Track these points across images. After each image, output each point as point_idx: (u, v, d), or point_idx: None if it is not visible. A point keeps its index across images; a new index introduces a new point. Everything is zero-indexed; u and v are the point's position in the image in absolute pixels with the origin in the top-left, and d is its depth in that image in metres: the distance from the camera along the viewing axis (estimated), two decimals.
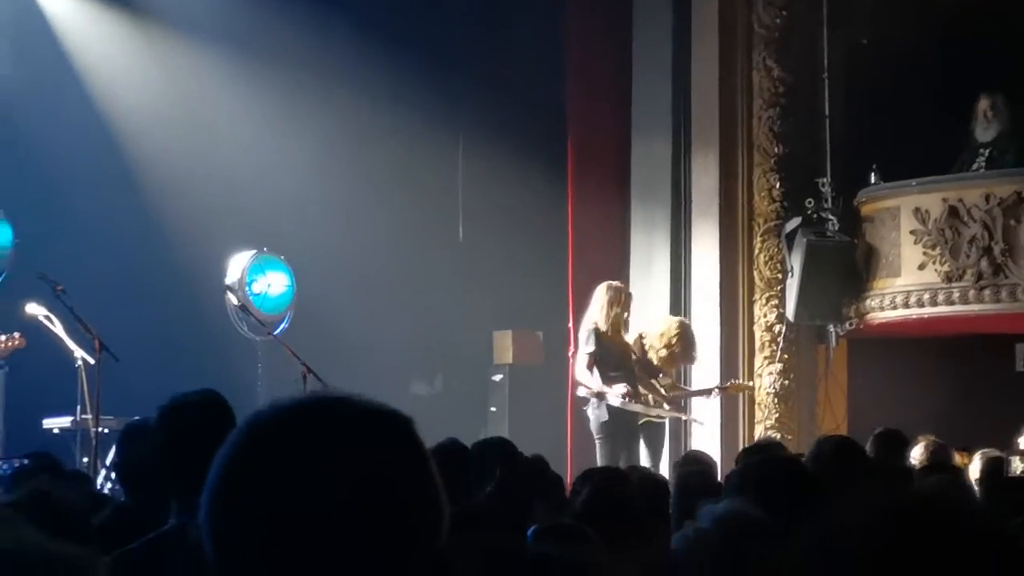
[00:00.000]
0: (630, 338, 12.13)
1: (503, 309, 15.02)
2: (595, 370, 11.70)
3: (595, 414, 11.74)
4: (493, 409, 14.67)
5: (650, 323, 12.52)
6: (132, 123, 14.37)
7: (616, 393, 11.62)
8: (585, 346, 11.83)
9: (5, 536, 1.61)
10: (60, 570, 1.59)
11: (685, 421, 13.01)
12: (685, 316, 13.36)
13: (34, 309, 11.72)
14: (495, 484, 6.40)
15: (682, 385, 12.70)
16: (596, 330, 11.77)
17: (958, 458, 9.33)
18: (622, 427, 11.68)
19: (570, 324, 13.55)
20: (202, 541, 1.68)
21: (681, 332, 12.29)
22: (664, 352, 12.16)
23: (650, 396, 12.00)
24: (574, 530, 4.22)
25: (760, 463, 5.10)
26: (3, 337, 11.64)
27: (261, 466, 1.67)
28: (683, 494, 5.82)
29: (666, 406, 12.06)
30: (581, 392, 12.00)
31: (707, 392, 12.63)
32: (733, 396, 13.24)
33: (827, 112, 13.41)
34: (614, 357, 11.79)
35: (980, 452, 9.27)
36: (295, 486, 1.65)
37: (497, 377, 14.83)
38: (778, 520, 3.71)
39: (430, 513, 1.71)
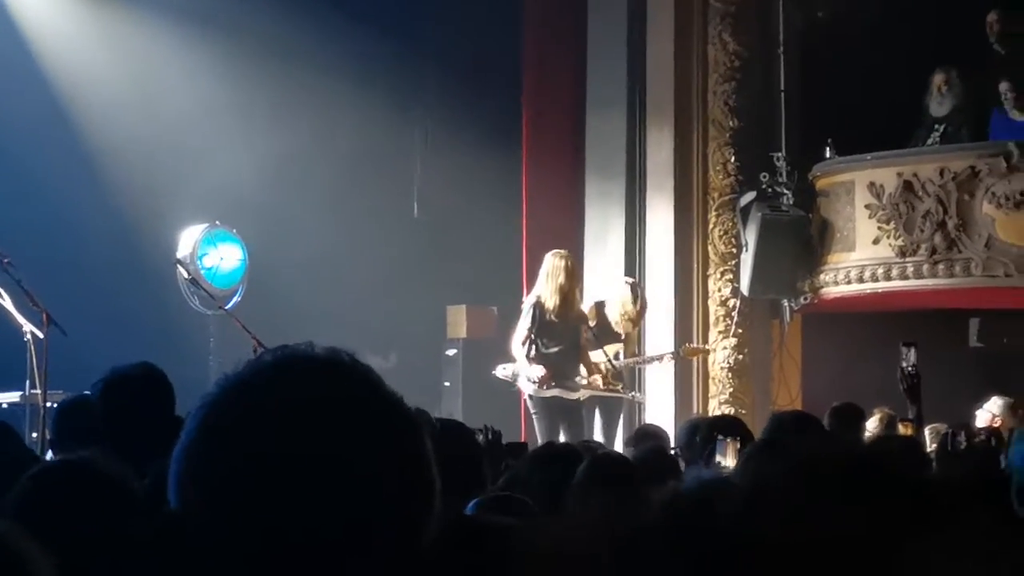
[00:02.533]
0: (585, 307, 12.02)
1: (457, 284, 14.97)
2: (526, 346, 11.53)
3: (524, 391, 11.69)
4: (447, 384, 14.64)
5: (605, 290, 12.44)
6: (82, 94, 14.25)
7: (529, 377, 11.48)
8: (523, 320, 11.69)
9: None
10: None
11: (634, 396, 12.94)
12: (639, 288, 13.33)
13: None
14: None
15: (638, 353, 12.62)
16: (536, 303, 11.62)
17: (902, 428, 9.33)
18: (553, 407, 11.56)
19: (524, 297, 13.49)
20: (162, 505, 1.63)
21: (634, 292, 12.22)
22: (623, 316, 12.07)
23: (587, 375, 11.77)
24: (514, 500, 4.18)
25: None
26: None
27: (238, 426, 1.63)
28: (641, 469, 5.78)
29: (600, 383, 11.80)
30: (499, 373, 11.85)
31: (660, 358, 12.54)
32: (688, 367, 13.23)
33: (783, 86, 13.40)
34: (556, 330, 11.64)
35: (929, 427, 9.27)
36: (276, 445, 1.60)
37: (451, 352, 14.80)
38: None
39: (424, 508, 1.68)
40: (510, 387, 12.16)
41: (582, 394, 11.71)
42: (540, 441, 11.03)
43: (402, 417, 1.68)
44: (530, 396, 11.57)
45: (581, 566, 1.56)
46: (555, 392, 11.51)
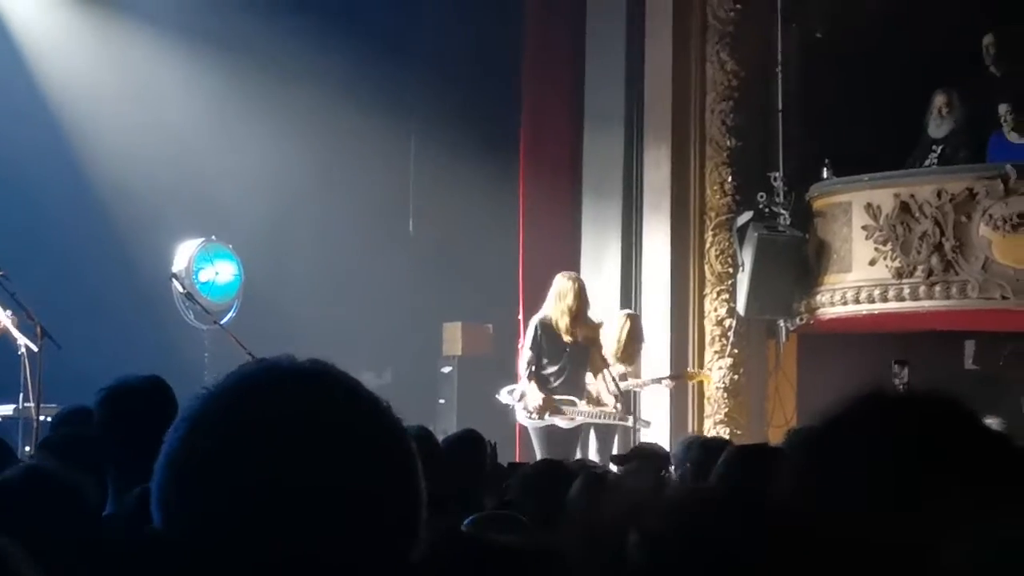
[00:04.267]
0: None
1: (453, 301, 14.95)
2: (530, 367, 11.53)
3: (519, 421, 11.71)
4: (442, 401, 14.61)
5: (603, 319, 12.40)
6: (79, 109, 14.23)
7: (526, 406, 11.48)
8: (526, 340, 11.72)
9: None
10: None
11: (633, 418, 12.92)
12: (635, 309, 13.31)
13: None
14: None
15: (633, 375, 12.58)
16: (539, 324, 11.62)
17: None
18: (550, 430, 11.55)
19: (520, 317, 13.48)
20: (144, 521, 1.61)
21: (631, 325, 12.20)
22: (615, 347, 12.04)
23: (585, 401, 11.77)
24: (509, 518, 4.15)
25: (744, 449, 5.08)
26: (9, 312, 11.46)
27: (219, 442, 1.59)
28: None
29: (600, 410, 11.79)
30: (504, 398, 11.85)
31: (658, 380, 12.50)
32: (683, 387, 13.19)
33: (780, 106, 13.38)
34: (558, 351, 11.63)
35: None
36: (258, 460, 1.57)
37: (446, 369, 14.77)
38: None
39: (414, 503, 1.64)
40: (503, 406, 12.16)
41: (577, 421, 11.70)
42: (540, 451, 11.07)
43: (386, 425, 1.65)
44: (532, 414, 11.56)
45: None
46: (550, 422, 11.50)
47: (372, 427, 1.64)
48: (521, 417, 11.54)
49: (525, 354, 11.66)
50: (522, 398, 11.60)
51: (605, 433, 11.86)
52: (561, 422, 11.54)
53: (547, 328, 11.60)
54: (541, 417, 11.45)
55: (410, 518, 1.63)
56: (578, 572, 2.24)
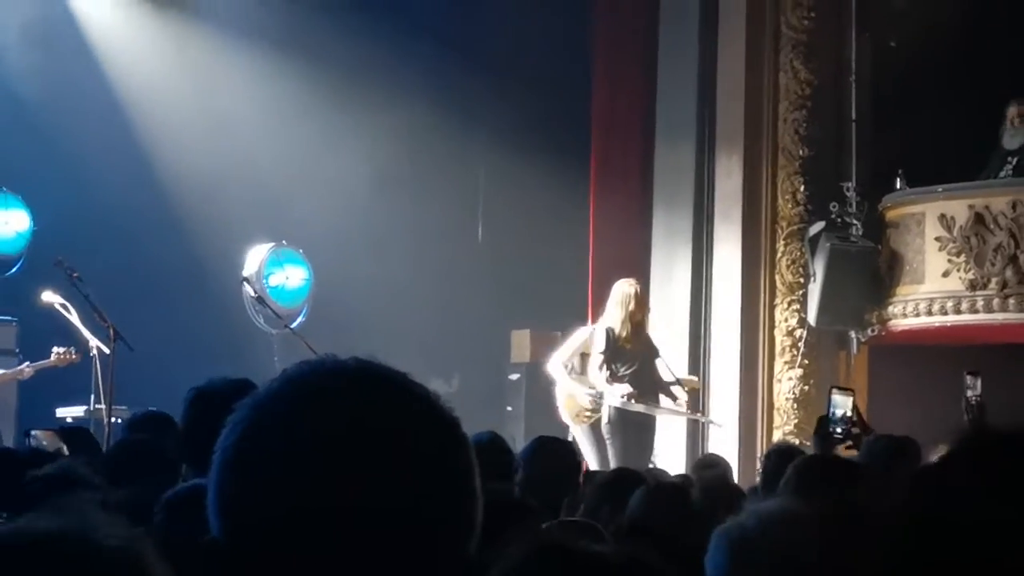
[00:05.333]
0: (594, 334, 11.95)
1: (521, 308, 14.94)
2: (603, 370, 11.56)
3: (602, 414, 11.64)
4: (509, 408, 14.59)
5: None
6: (153, 114, 14.35)
7: (616, 393, 11.47)
8: (597, 346, 11.71)
9: (70, 524, 1.51)
10: (117, 566, 1.49)
11: (703, 423, 12.90)
12: (705, 319, 13.27)
13: (50, 297, 11.70)
14: (523, 479, 6.33)
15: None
16: (609, 330, 11.64)
17: None
18: (630, 426, 11.53)
19: (590, 323, 13.45)
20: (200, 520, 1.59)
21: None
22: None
23: (661, 397, 11.84)
24: (589, 528, 4.13)
25: (816, 461, 5.03)
26: (61, 350, 11.63)
27: (271, 450, 1.57)
28: (705, 497, 5.73)
29: (678, 407, 11.86)
30: (581, 397, 11.84)
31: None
32: (752, 397, 13.13)
33: (853, 115, 13.30)
34: (627, 357, 11.65)
35: None
36: (311, 465, 1.54)
37: (514, 376, 14.75)
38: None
39: (467, 504, 1.61)
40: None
41: (666, 411, 11.78)
42: (616, 459, 11.04)
43: (438, 420, 1.63)
44: (608, 423, 11.51)
45: None
46: (640, 407, 11.48)
47: (424, 424, 1.61)
48: (612, 399, 11.46)
49: (596, 358, 11.64)
50: (601, 397, 11.58)
51: (646, 430, 11.79)
52: (648, 409, 11.57)
53: (611, 335, 11.60)
54: (633, 400, 11.44)
55: (464, 520, 1.61)
56: None
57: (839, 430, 5.68)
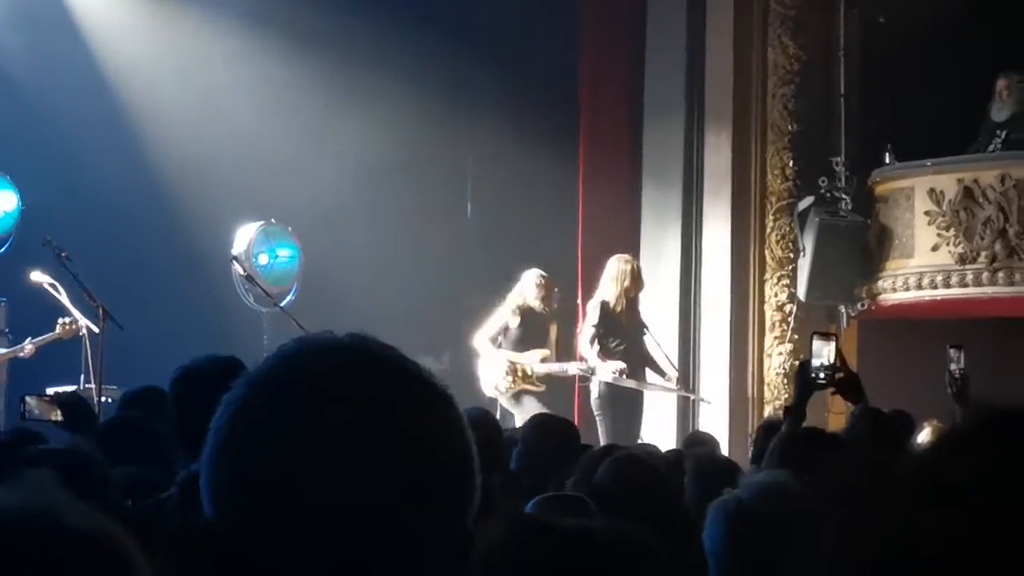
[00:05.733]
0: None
1: (510, 285, 14.91)
2: (595, 344, 11.57)
3: (592, 390, 11.66)
4: None
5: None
6: (142, 92, 14.31)
7: (609, 369, 11.48)
8: (589, 320, 11.74)
9: (33, 502, 1.45)
10: (89, 550, 1.44)
11: (692, 400, 12.92)
12: (695, 296, 13.28)
13: (39, 276, 11.68)
14: (521, 454, 6.35)
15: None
16: (602, 303, 11.66)
17: None
18: (620, 402, 11.55)
19: (579, 301, 13.46)
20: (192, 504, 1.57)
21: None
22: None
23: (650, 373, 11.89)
24: (576, 501, 4.13)
25: (805, 435, 5.04)
26: (66, 320, 11.60)
27: (265, 428, 1.55)
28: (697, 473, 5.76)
29: (667, 383, 11.92)
30: (572, 369, 11.91)
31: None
32: (743, 375, 13.14)
33: (842, 91, 13.30)
34: (620, 332, 11.67)
35: None
36: (311, 440, 1.52)
37: None
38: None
39: (465, 480, 1.59)
40: (562, 390, 12.14)
41: (657, 388, 11.88)
42: (605, 434, 11.06)
43: (433, 396, 1.61)
44: (597, 398, 11.53)
45: None
46: (631, 383, 11.51)
47: (420, 400, 1.59)
48: (604, 375, 11.48)
49: (588, 332, 11.66)
50: (593, 372, 11.59)
51: (635, 406, 11.82)
52: (639, 385, 11.62)
53: (606, 309, 11.62)
54: (624, 376, 11.46)
55: (462, 496, 1.59)
56: (656, 557, 2.19)
57: (822, 375, 5.65)
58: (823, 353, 5.68)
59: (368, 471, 1.53)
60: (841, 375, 5.72)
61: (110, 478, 4.32)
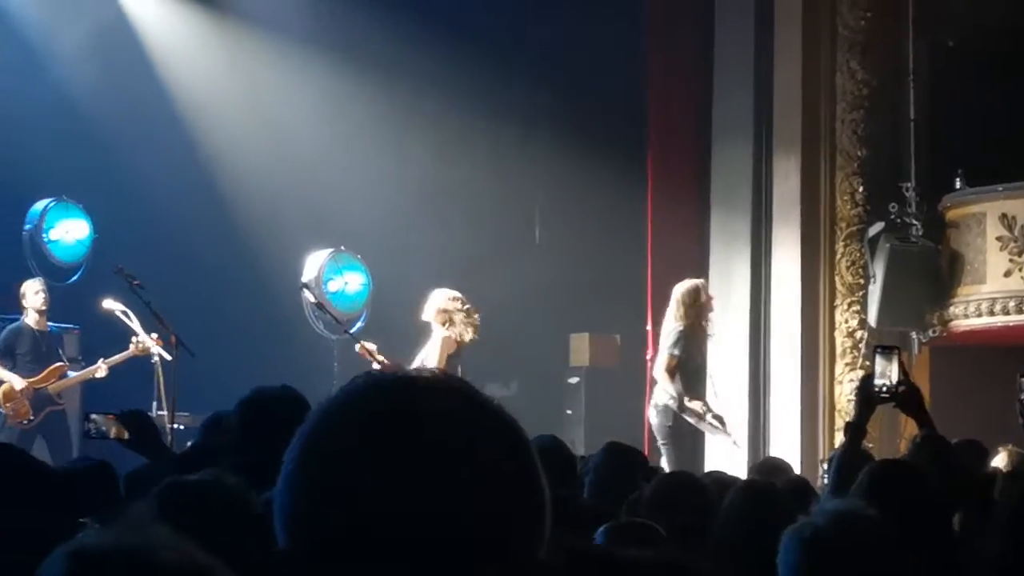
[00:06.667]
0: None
1: (580, 312, 14.92)
2: (676, 373, 11.49)
3: (660, 419, 11.54)
4: (569, 412, 14.57)
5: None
6: (211, 122, 14.43)
7: (694, 410, 11.42)
8: (671, 348, 11.59)
9: (134, 539, 1.50)
10: None
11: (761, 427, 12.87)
12: (765, 322, 13.23)
13: (111, 304, 11.78)
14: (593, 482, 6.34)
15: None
16: (683, 331, 11.56)
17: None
18: (687, 434, 11.50)
19: (648, 327, 13.42)
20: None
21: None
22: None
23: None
24: (647, 529, 4.12)
25: (886, 466, 5.01)
26: (139, 338, 11.67)
27: (339, 457, 1.56)
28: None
29: (713, 421, 11.79)
30: (662, 398, 11.70)
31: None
32: (813, 399, 13.08)
33: (912, 115, 13.22)
34: (693, 361, 11.61)
35: None
36: (386, 473, 1.53)
37: (573, 380, 14.73)
38: (896, 525, 3.63)
39: (535, 510, 1.60)
40: (630, 417, 12.12)
41: (714, 429, 11.71)
42: (673, 463, 10.98)
43: (505, 427, 1.62)
44: (669, 427, 11.45)
45: None
46: (692, 420, 11.48)
47: (489, 431, 1.60)
48: (689, 414, 11.44)
49: (665, 359, 11.49)
50: (681, 400, 11.50)
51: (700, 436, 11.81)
52: (695, 423, 11.54)
53: (685, 335, 11.54)
54: (702, 421, 11.44)
55: (533, 526, 1.59)
56: None
57: (884, 390, 5.62)
58: (885, 368, 5.64)
59: (441, 501, 1.53)
60: (903, 388, 5.69)
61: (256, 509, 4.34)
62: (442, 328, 11.67)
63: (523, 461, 1.61)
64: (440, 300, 11.82)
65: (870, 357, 6.00)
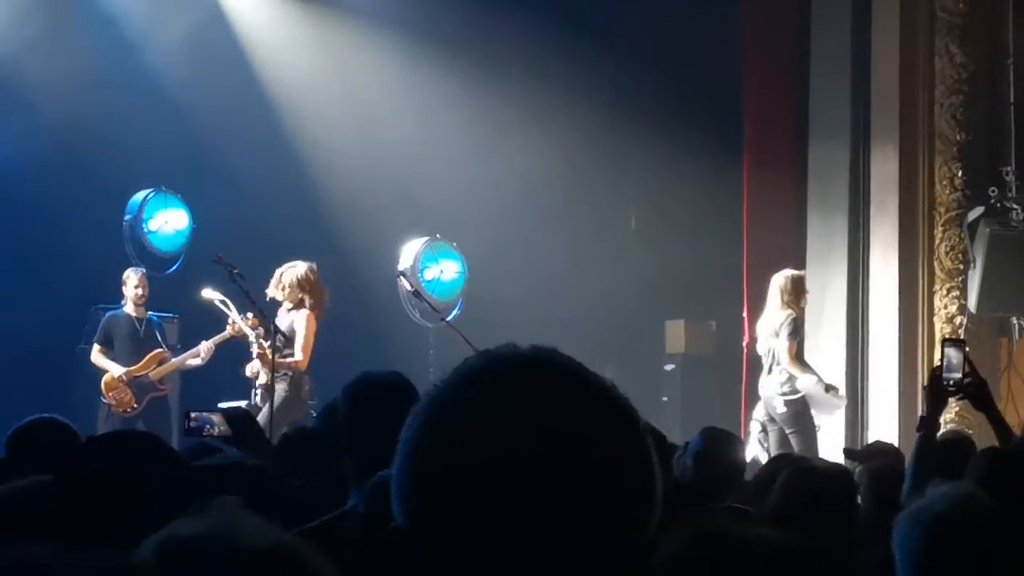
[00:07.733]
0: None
1: (675, 298, 14.89)
2: (803, 358, 11.79)
3: (792, 408, 11.58)
4: (665, 399, 14.56)
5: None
6: (305, 111, 14.50)
7: (834, 386, 11.69)
8: (792, 336, 11.64)
9: (216, 528, 1.54)
10: (269, 568, 1.51)
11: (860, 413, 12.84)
12: (863, 308, 13.15)
13: (210, 293, 11.89)
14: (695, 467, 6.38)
15: None
16: (796, 319, 11.71)
17: None
18: (811, 416, 11.68)
19: (744, 314, 13.37)
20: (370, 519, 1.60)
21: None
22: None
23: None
24: (745, 514, 4.12)
25: (1008, 452, 4.99)
26: (248, 316, 11.72)
27: (457, 435, 1.57)
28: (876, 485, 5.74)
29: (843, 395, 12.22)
30: (796, 385, 11.70)
31: None
32: (912, 387, 12.98)
33: (1012, 99, 13.06)
34: (803, 343, 11.85)
35: None
36: (497, 451, 1.54)
37: (669, 367, 14.71)
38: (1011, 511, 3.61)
39: (649, 489, 1.61)
40: (727, 403, 12.12)
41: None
42: (808, 448, 11.10)
43: (617, 408, 1.62)
44: (802, 413, 11.61)
45: None
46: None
47: (604, 414, 1.61)
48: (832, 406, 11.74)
49: (792, 347, 11.62)
50: (823, 381, 11.78)
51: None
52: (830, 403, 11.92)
53: (800, 322, 11.78)
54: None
55: (645, 508, 1.60)
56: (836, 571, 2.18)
57: (951, 383, 5.64)
58: (954, 361, 5.65)
59: (558, 479, 1.54)
60: (970, 381, 5.69)
61: (285, 491, 4.36)
62: None
63: (636, 442, 1.62)
64: None
65: (940, 351, 6.03)
